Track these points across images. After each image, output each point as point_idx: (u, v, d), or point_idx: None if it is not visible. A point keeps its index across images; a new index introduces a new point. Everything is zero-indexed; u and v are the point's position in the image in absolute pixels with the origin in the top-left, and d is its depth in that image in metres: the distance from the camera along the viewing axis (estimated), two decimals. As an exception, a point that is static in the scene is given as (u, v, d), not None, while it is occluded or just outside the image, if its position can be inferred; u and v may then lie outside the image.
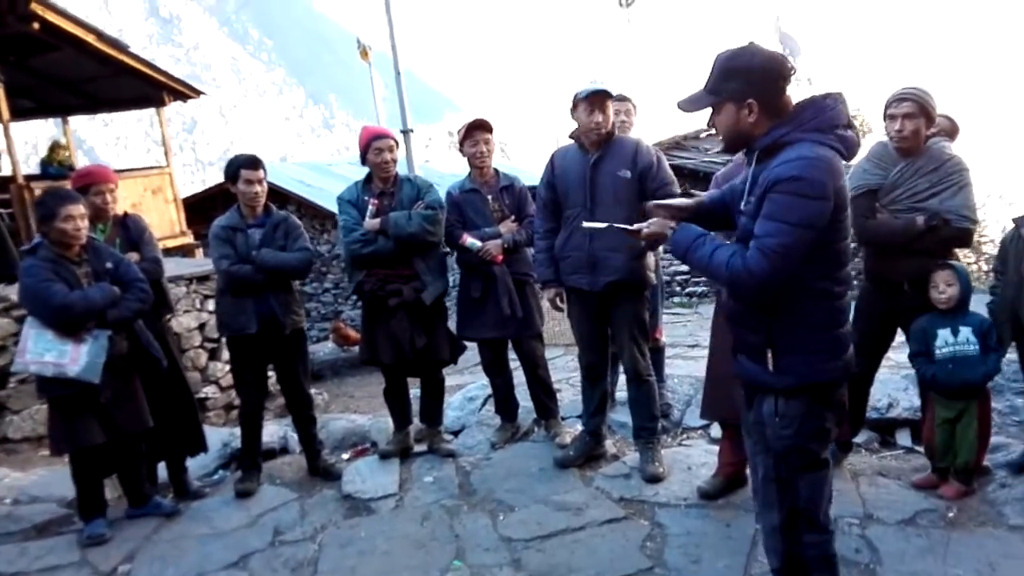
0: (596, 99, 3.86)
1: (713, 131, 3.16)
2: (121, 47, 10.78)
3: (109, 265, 3.97)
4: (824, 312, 2.40)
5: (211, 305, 7.49)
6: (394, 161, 4.38)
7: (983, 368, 3.51)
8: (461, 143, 4.55)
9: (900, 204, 3.63)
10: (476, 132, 4.48)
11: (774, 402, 2.47)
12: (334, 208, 14.48)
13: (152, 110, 12.35)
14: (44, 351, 3.75)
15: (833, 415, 2.50)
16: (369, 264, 4.31)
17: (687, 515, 3.69)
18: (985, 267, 10.78)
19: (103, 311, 3.85)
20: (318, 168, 18.08)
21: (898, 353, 4.58)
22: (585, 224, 2.80)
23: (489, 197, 4.52)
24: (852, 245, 2.48)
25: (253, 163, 4.29)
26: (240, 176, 4.26)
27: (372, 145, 4.31)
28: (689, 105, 2.47)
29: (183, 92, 12.07)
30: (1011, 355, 3.86)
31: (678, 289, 11.83)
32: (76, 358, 3.76)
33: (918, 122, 3.60)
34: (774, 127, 2.33)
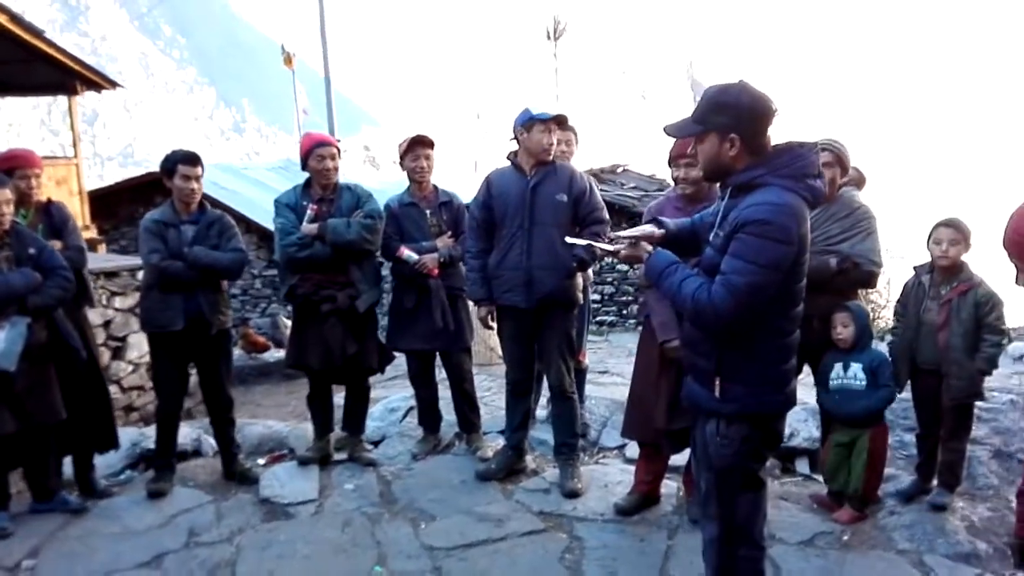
0: (553, 122, 4.03)
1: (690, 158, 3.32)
2: (35, 31, 10.33)
3: (32, 251, 3.86)
4: (774, 348, 2.54)
5: (117, 302, 7.27)
6: (335, 169, 4.41)
7: (865, 402, 3.78)
8: (402, 157, 4.63)
9: (814, 246, 3.86)
10: (418, 147, 4.58)
11: (716, 424, 2.60)
12: (247, 212, 14.12)
13: (50, 99, 11.85)
14: (-42, 335, 3.60)
15: (769, 441, 2.67)
16: (304, 268, 4.32)
17: (604, 530, 3.82)
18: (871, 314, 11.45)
19: (23, 297, 3.73)
20: (231, 170, 17.53)
21: (801, 389, 4.87)
22: (568, 239, 2.94)
23: (427, 212, 4.61)
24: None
25: (192, 159, 4.25)
26: (177, 171, 4.21)
27: (314, 152, 4.34)
28: (675, 131, 2.62)
29: (97, 82, 11.67)
30: (904, 393, 4.17)
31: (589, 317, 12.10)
32: (-8, 344, 3.62)
33: (834, 171, 3.89)
34: (750, 166, 2.46)
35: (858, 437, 3.81)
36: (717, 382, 2.56)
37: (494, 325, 4.33)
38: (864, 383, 3.76)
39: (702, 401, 2.65)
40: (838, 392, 3.83)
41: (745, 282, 2.37)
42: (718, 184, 2.76)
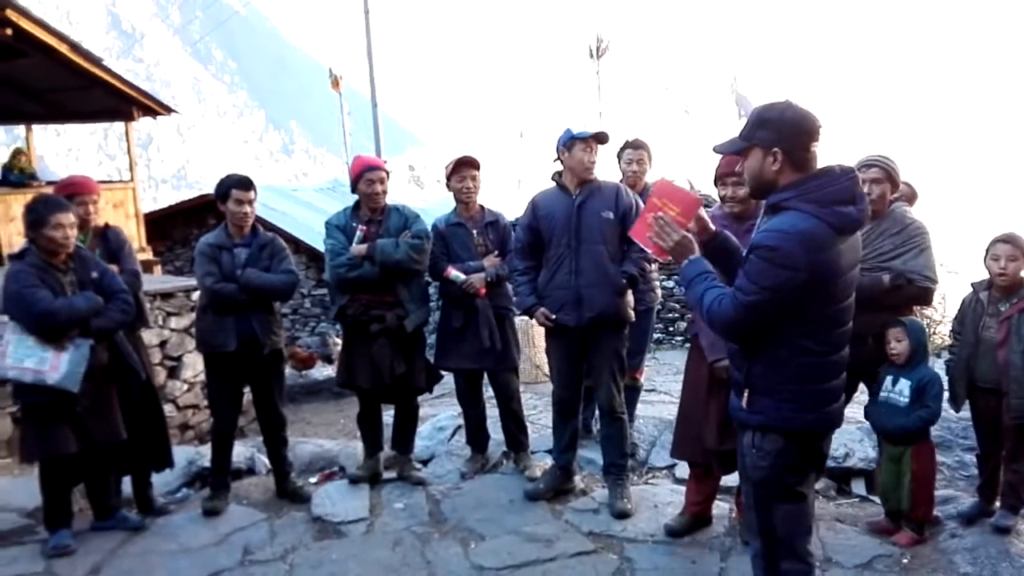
0: (594, 140, 4.07)
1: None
2: (95, 59, 10.68)
3: (94, 275, 3.98)
4: (800, 366, 2.53)
5: (173, 322, 7.46)
6: (384, 192, 4.48)
7: (901, 420, 3.69)
8: (448, 178, 4.69)
9: (866, 263, 3.83)
10: (464, 168, 4.63)
11: (752, 435, 2.64)
12: (296, 233, 14.40)
13: (107, 124, 12.22)
14: (24, 357, 3.73)
15: (810, 458, 2.65)
16: (353, 289, 4.38)
17: (654, 551, 3.79)
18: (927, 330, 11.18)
19: (86, 320, 3.85)
20: (282, 192, 17.85)
21: (853, 407, 4.77)
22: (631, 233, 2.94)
23: (474, 232, 4.66)
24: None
25: (245, 184, 4.35)
26: (231, 195, 4.32)
27: (364, 176, 4.43)
28: (723, 148, 2.70)
29: (153, 108, 12.01)
30: (963, 412, 4.07)
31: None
32: (57, 366, 3.75)
33: (884, 187, 3.84)
34: (785, 187, 2.49)
35: (903, 454, 3.74)
36: (746, 393, 2.61)
37: (552, 322, 4.21)
38: (907, 400, 3.68)
39: (736, 411, 2.71)
40: (883, 405, 3.77)
41: (747, 300, 2.46)
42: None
